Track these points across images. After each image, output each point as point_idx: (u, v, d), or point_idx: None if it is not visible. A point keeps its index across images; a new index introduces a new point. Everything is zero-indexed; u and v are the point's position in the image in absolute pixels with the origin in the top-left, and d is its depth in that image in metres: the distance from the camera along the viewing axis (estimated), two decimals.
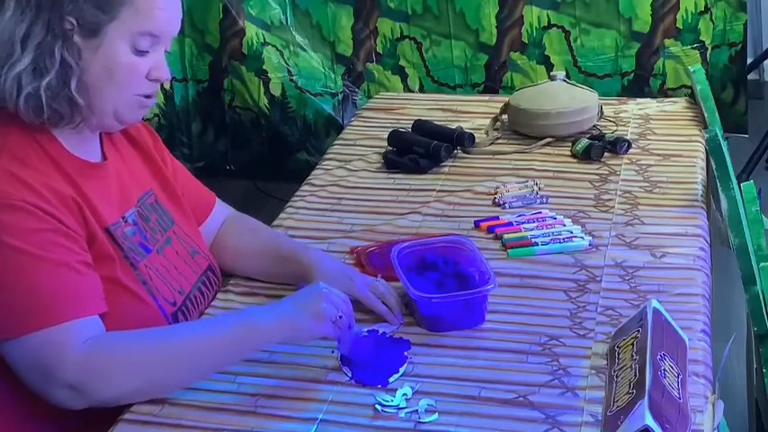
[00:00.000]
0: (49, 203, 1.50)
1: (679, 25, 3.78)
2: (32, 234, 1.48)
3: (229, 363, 1.58)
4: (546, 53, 3.87)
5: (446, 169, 2.31)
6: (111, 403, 1.51)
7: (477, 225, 2.04)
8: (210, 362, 1.56)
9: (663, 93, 3.80)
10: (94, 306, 1.52)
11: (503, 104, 2.52)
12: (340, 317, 1.57)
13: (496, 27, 3.87)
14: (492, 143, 2.42)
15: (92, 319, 1.51)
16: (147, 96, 1.60)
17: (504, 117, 2.50)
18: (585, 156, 2.30)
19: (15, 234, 1.47)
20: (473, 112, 2.60)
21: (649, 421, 1.29)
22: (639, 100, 2.68)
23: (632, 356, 1.47)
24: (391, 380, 1.57)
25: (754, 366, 2.12)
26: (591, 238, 1.96)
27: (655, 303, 1.57)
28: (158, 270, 1.67)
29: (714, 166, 1.95)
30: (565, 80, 2.52)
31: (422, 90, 3.97)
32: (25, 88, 1.50)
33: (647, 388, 1.35)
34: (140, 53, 1.55)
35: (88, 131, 1.62)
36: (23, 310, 1.47)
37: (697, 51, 3.79)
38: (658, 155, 2.32)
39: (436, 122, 2.48)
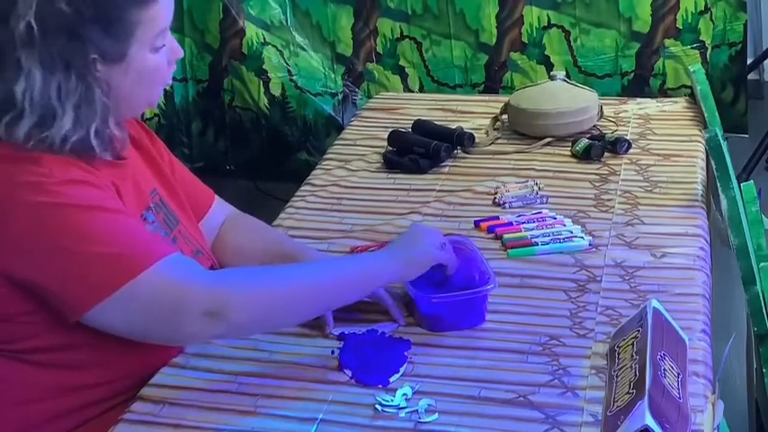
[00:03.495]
0: (100, 181, 1.54)
1: (679, 25, 3.78)
2: (100, 197, 1.51)
3: (346, 300, 1.65)
4: (546, 53, 3.87)
5: (446, 169, 2.31)
6: (245, 330, 1.57)
7: (477, 225, 2.04)
8: (330, 295, 1.62)
9: (663, 93, 3.80)
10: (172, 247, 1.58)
11: (503, 104, 2.52)
12: (443, 244, 1.70)
13: (496, 27, 3.87)
14: (492, 143, 2.42)
15: (182, 255, 1.56)
16: (168, 81, 1.65)
17: (504, 117, 2.50)
18: (585, 156, 2.30)
19: (87, 198, 1.49)
20: (473, 112, 2.60)
21: (649, 421, 1.29)
22: (639, 100, 2.68)
23: (632, 356, 1.47)
24: (392, 380, 1.57)
25: (754, 366, 2.12)
26: (591, 238, 1.96)
27: (655, 303, 1.57)
28: None
29: (714, 166, 1.95)
30: (565, 80, 2.52)
31: (422, 90, 3.98)
32: (72, 139, 1.51)
33: (647, 388, 1.35)
34: (158, 50, 1.58)
35: None
36: (123, 257, 1.47)
37: (697, 51, 3.79)
38: (658, 155, 2.31)
39: (436, 122, 2.48)
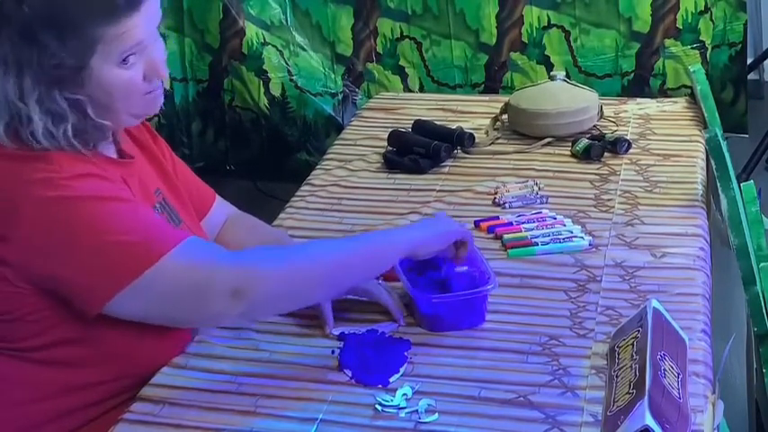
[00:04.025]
0: (110, 175, 1.55)
1: (679, 25, 3.78)
2: (111, 188, 1.52)
3: (371, 272, 1.68)
4: (546, 53, 3.87)
5: (446, 169, 2.31)
6: (267, 311, 1.59)
7: (477, 225, 2.04)
8: (358, 271, 1.64)
9: (663, 93, 3.80)
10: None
11: (503, 104, 2.51)
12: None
13: (496, 27, 3.87)
14: (492, 143, 2.42)
15: (199, 238, 1.58)
16: (154, 91, 1.61)
17: (504, 117, 2.50)
18: (585, 156, 2.30)
19: (99, 190, 1.50)
20: (473, 112, 2.60)
21: (649, 421, 1.29)
22: (639, 100, 2.68)
23: (632, 356, 1.47)
24: (392, 380, 1.57)
25: (754, 366, 2.12)
26: (591, 238, 1.96)
27: (655, 303, 1.57)
28: None
29: (714, 166, 1.95)
30: (565, 80, 2.52)
31: (422, 90, 3.97)
32: (58, 135, 1.51)
33: (647, 388, 1.35)
34: (130, 66, 1.54)
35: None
36: (141, 245, 1.48)
37: (697, 51, 3.79)
38: (658, 155, 2.31)
39: (436, 122, 2.48)
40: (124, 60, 1.53)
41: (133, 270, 1.47)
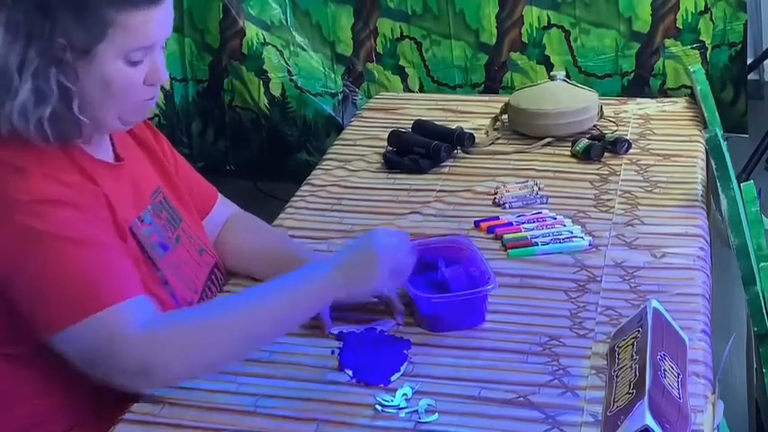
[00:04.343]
0: (83, 196, 1.52)
1: (679, 25, 3.78)
2: (74, 222, 1.49)
3: (292, 325, 1.60)
4: (546, 53, 3.87)
5: (446, 169, 2.31)
6: (180, 380, 1.52)
7: (477, 225, 2.04)
8: (273, 327, 1.57)
9: (663, 93, 3.80)
10: (139, 287, 1.53)
11: (503, 104, 2.52)
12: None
13: (496, 27, 3.87)
14: (492, 143, 2.42)
15: (142, 299, 1.51)
16: (149, 99, 1.60)
17: (504, 117, 2.50)
18: (585, 156, 2.30)
19: (57, 224, 1.48)
20: (473, 112, 2.60)
21: (649, 421, 1.29)
22: (639, 100, 2.68)
23: (632, 356, 1.47)
24: (393, 378, 1.57)
25: (754, 366, 2.12)
26: (591, 238, 1.96)
27: (655, 303, 1.57)
28: (176, 269, 1.68)
29: (714, 166, 1.95)
30: (565, 80, 2.52)
31: (422, 90, 3.97)
32: (32, 117, 1.50)
33: (647, 388, 1.35)
34: (135, 64, 1.54)
35: (98, 136, 1.62)
36: (73, 298, 1.47)
37: (697, 51, 3.79)
38: (658, 155, 2.31)
39: (436, 122, 2.48)
40: (131, 58, 1.52)
41: (62, 320, 1.47)
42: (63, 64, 1.50)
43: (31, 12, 1.48)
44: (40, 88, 1.50)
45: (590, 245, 1.94)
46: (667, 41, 3.80)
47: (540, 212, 2.07)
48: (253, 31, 3.93)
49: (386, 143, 2.39)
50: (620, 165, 2.27)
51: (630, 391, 1.39)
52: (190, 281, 1.71)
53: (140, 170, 1.72)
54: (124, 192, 1.63)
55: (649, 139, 2.40)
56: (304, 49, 4.00)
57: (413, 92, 3.95)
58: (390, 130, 2.42)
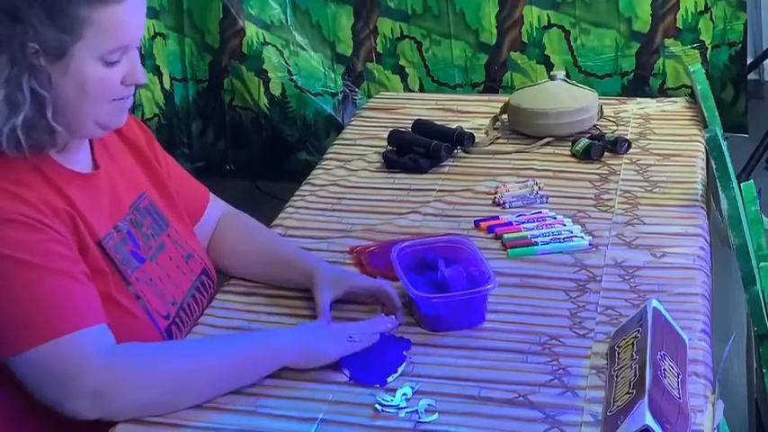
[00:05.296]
0: (45, 216, 1.49)
1: (679, 25, 3.78)
2: (32, 245, 1.46)
3: (246, 383, 1.56)
4: (546, 53, 3.87)
5: (446, 169, 2.31)
6: (126, 415, 1.48)
7: (477, 225, 2.04)
8: (229, 381, 1.54)
9: (663, 92, 3.80)
10: (100, 316, 1.50)
11: (503, 104, 2.52)
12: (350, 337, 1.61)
13: (496, 27, 3.87)
14: (492, 143, 2.42)
15: (101, 328, 1.49)
16: (125, 98, 1.57)
17: (504, 117, 2.50)
18: (585, 155, 2.30)
19: (15, 246, 1.45)
20: (473, 112, 2.60)
21: (649, 421, 1.29)
22: (639, 100, 2.68)
23: (632, 356, 1.47)
24: (389, 380, 1.57)
25: (754, 366, 2.12)
26: (591, 237, 1.96)
27: (655, 303, 1.57)
28: (151, 281, 1.65)
29: (714, 166, 1.95)
30: (565, 80, 2.52)
31: (422, 90, 3.98)
32: (4, 127, 1.47)
33: (647, 388, 1.35)
34: (111, 64, 1.51)
35: (75, 142, 1.59)
36: (32, 323, 1.45)
37: (697, 51, 3.79)
38: (658, 155, 2.31)
39: (436, 122, 2.48)
40: (108, 59, 1.50)
41: (19, 344, 1.45)
42: (36, 70, 1.47)
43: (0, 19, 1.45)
44: (12, 97, 1.46)
45: (590, 244, 1.94)
46: (667, 41, 3.80)
47: (540, 212, 2.07)
48: (253, 31, 3.93)
49: (386, 143, 2.39)
50: (620, 164, 2.27)
51: (630, 390, 1.39)
52: (168, 293, 1.68)
53: (123, 174, 1.69)
54: (98, 202, 1.60)
55: (649, 139, 2.40)
56: (304, 49, 4.00)
57: (413, 91, 3.95)
58: (390, 129, 2.42)
